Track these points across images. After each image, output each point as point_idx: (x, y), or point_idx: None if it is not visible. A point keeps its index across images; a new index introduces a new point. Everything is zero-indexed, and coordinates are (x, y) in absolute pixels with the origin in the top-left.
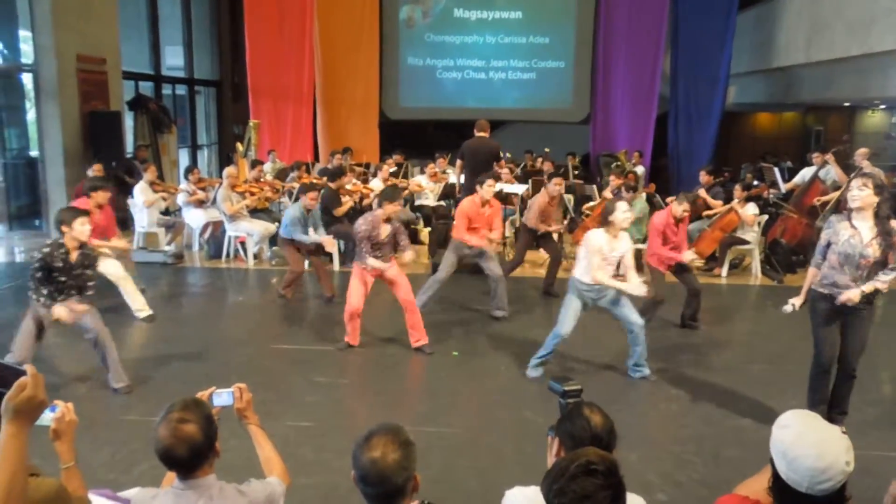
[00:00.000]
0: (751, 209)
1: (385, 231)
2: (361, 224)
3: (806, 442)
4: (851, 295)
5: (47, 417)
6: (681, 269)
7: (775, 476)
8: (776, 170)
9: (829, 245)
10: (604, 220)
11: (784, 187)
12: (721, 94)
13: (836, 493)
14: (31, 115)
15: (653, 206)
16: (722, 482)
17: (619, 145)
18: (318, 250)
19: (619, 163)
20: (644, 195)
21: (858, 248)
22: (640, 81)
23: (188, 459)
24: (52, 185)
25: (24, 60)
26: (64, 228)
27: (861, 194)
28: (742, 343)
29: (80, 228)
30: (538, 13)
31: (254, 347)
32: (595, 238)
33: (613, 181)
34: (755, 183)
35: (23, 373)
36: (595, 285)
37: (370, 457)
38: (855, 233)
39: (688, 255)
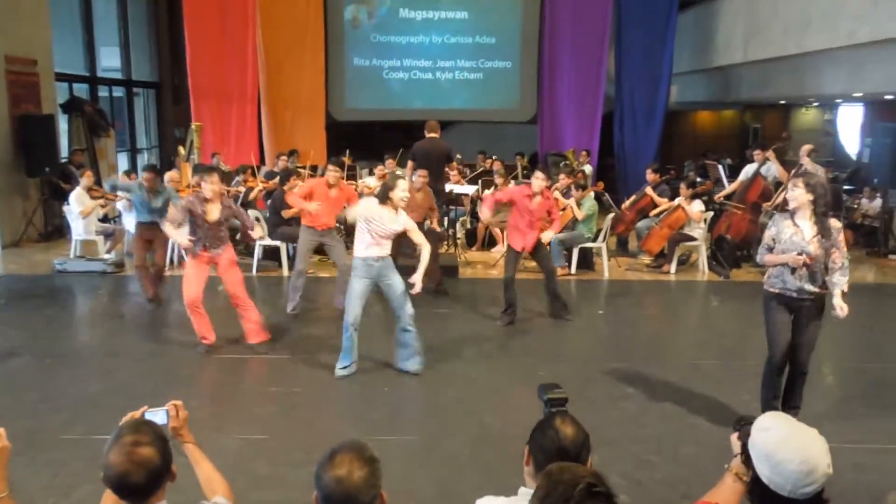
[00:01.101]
0: (697, 206)
1: (213, 211)
2: (184, 199)
3: (790, 445)
4: (844, 307)
5: None
6: (536, 251)
7: (755, 480)
8: (720, 167)
9: (773, 243)
10: (382, 197)
11: (728, 185)
12: (664, 94)
13: (817, 496)
14: None
15: (601, 205)
16: (681, 481)
17: (566, 145)
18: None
19: (567, 161)
20: (592, 193)
21: (801, 245)
22: (585, 81)
23: (145, 485)
24: None
25: None
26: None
27: (794, 194)
28: (692, 339)
29: None
30: (484, 13)
31: (200, 357)
32: (368, 208)
33: (563, 180)
34: (699, 180)
35: None
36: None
37: (335, 475)
38: (797, 230)
39: (547, 235)
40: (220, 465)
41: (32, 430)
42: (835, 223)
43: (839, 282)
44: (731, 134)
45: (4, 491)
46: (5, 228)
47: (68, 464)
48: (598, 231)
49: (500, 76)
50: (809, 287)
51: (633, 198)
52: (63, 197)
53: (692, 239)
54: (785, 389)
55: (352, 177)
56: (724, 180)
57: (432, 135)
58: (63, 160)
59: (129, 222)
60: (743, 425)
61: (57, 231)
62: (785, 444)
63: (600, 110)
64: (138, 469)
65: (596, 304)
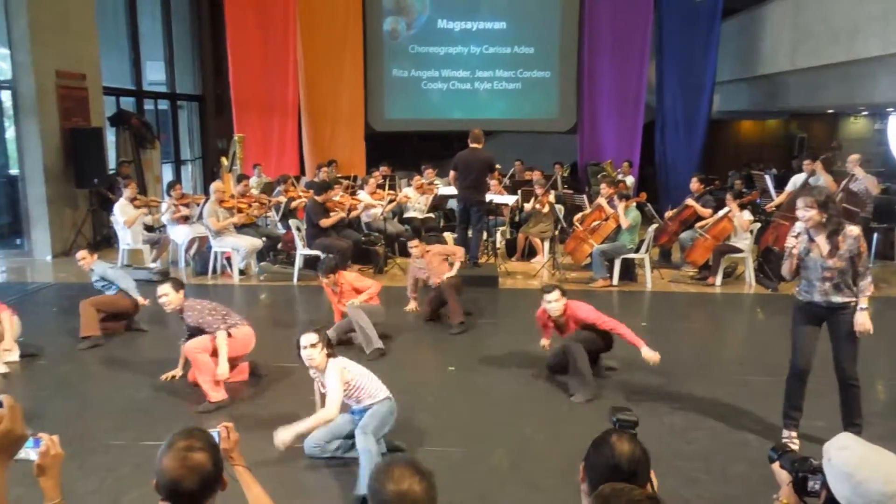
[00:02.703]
0: (746, 215)
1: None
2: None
3: (870, 465)
4: (866, 323)
5: (31, 452)
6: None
7: (829, 500)
8: (767, 177)
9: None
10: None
11: (775, 195)
12: (707, 102)
13: None
14: (10, 133)
15: (644, 215)
16: (731, 500)
17: (606, 155)
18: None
19: (605, 173)
20: (635, 203)
21: (819, 262)
22: (625, 90)
23: (197, 491)
24: (33, 202)
25: (2, 77)
26: None
27: (807, 215)
28: (740, 353)
29: None
30: (522, 23)
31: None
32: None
33: (605, 190)
34: (744, 190)
35: None
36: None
37: (397, 490)
38: (814, 245)
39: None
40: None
41: (81, 435)
42: (852, 231)
43: (862, 288)
44: (776, 143)
45: (58, 497)
46: (55, 238)
47: (116, 469)
48: (641, 242)
49: (539, 86)
50: (836, 298)
51: (677, 209)
52: (110, 207)
53: (738, 251)
54: (841, 406)
55: (391, 187)
56: (772, 191)
57: (475, 145)
58: (111, 172)
59: (174, 232)
60: (783, 453)
61: (105, 240)
62: (865, 463)
63: (641, 120)
64: (191, 474)
65: (638, 316)
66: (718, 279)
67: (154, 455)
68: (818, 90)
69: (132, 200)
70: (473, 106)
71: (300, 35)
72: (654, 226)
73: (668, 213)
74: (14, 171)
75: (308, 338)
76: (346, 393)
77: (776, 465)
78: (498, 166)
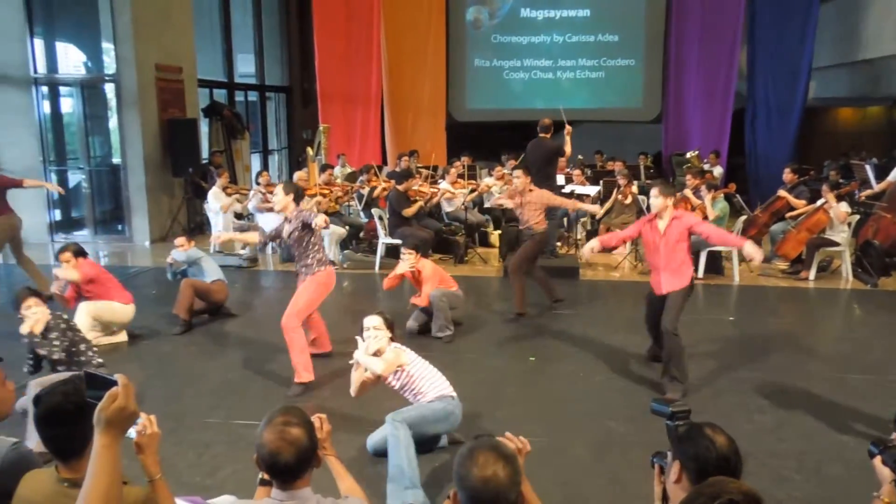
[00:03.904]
0: (844, 207)
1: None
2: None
3: None
4: None
5: (130, 430)
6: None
7: None
8: (868, 167)
9: None
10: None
11: (876, 185)
12: (802, 90)
13: None
14: (112, 124)
15: (733, 207)
16: (825, 501)
17: (692, 144)
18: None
19: (690, 165)
20: (723, 195)
21: None
22: (714, 78)
23: (294, 465)
24: (133, 190)
25: (106, 71)
26: None
27: None
28: (835, 351)
29: None
30: (607, 11)
31: (333, 353)
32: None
33: (690, 181)
34: (841, 181)
35: (114, 383)
36: None
37: (482, 476)
38: None
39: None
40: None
41: (180, 412)
42: None
43: None
44: (877, 131)
45: (158, 473)
46: (154, 224)
47: (212, 445)
48: None
49: (623, 74)
50: None
51: (769, 200)
52: (204, 195)
53: (834, 244)
54: None
55: (472, 177)
56: (872, 181)
57: (543, 134)
58: (204, 161)
59: (262, 220)
60: (885, 448)
61: (198, 227)
62: None
63: (731, 108)
64: (289, 448)
65: (725, 311)
66: (812, 273)
67: (246, 434)
68: None
69: (224, 189)
70: (555, 95)
71: (384, 27)
72: (743, 217)
73: (759, 206)
74: (116, 160)
75: (371, 320)
76: (402, 382)
77: (877, 461)
78: (580, 157)
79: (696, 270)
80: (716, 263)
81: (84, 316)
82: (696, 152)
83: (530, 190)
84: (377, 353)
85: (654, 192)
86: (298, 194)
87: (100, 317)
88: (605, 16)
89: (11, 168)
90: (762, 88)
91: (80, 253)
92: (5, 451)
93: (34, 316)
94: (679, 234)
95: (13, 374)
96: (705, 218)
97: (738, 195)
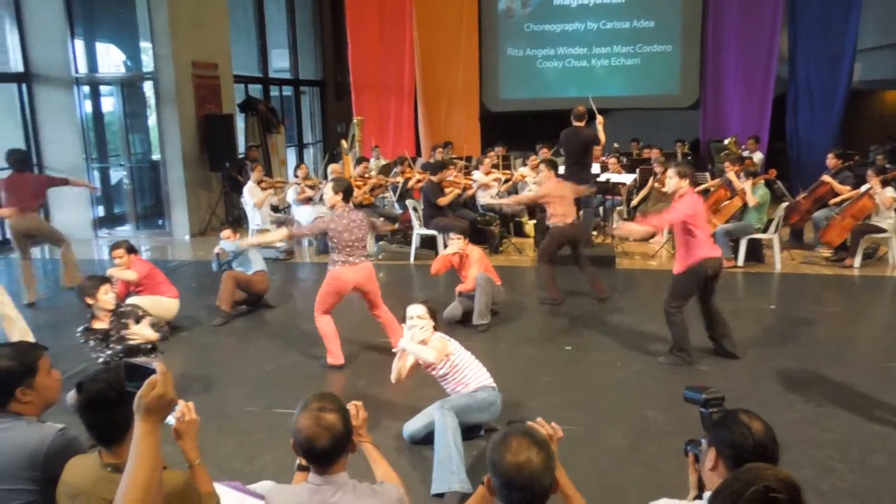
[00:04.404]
0: (890, 192)
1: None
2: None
3: None
4: None
5: (169, 416)
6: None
7: None
8: None
9: None
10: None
11: None
12: (846, 73)
13: None
14: (151, 121)
15: (773, 193)
16: (871, 493)
17: (731, 130)
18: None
19: (728, 151)
20: (763, 181)
21: None
22: (754, 62)
23: (329, 450)
24: (173, 185)
25: (144, 70)
26: None
27: None
28: (881, 340)
29: None
30: None
31: (365, 342)
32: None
33: (729, 168)
34: (888, 166)
35: (152, 371)
36: None
37: (515, 462)
38: None
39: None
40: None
41: (220, 402)
42: None
43: None
44: None
45: (198, 458)
46: (193, 219)
47: (252, 433)
48: (769, 221)
49: (659, 61)
50: None
51: (812, 186)
52: (240, 189)
53: (881, 230)
54: None
55: (506, 167)
56: None
57: (578, 123)
58: (240, 156)
59: (299, 212)
60: None
61: (236, 221)
62: None
63: (771, 93)
64: (324, 433)
65: (766, 299)
66: (857, 261)
67: (285, 422)
68: None
69: (259, 183)
70: (590, 83)
71: (416, 18)
72: (784, 204)
73: (802, 192)
74: (156, 156)
75: (415, 309)
76: (445, 371)
77: None
78: (616, 145)
79: (735, 258)
80: (756, 251)
81: None
82: (734, 138)
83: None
84: (422, 343)
85: (669, 171)
86: (348, 192)
87: (151, 311)
88: (640, 1)
89: (56, 166)
90: (804, 72)
91: (132, 250)
92: (52, 437)
93: (110, 300)
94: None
95: (59, 364)
96: (745, 205)
97: (778, 181)
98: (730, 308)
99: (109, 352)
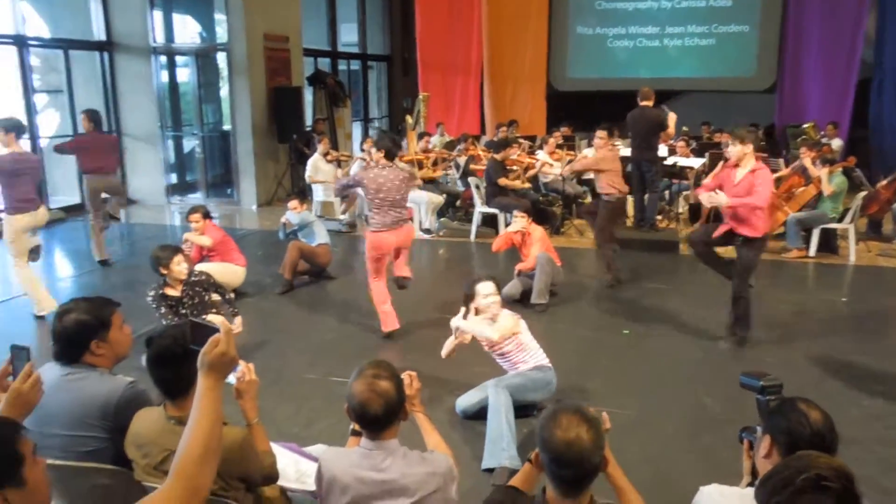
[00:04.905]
0: None
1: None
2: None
3: None
4: None
5: (231, 376)
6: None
7: None
8: None
9: None
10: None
11: None
12: None
13: None
14: (224, 92)
15: (852, 182)
16: None
17: (809, 115)
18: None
19: (805, 137)
20: (841, 169)
21: None
22: (837, 45)
23: (382, 415)
24: (242, 156)
25: (219, 41)
26: None
27: None
28: None
29: None
30: None
31: (423, 317)
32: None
33: (805, 153)
34: None
35: (216, 330)
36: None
37: (565, 438)
38: None
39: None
40: (442, 420)
41: (280, 367)
42: None
43: None
44: None
45: (256, 418)
46: (260, 189)
47: (310, 399)
48: (846, 211)
49: (735, 41)
50: None
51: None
52: (306, 161)
53: None
54: None
55: (570, 147)
56: None
57: (645, 103)
58: (307, 128)
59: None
60: None
61: (301, 192)
62: None
63: (855, 77)
64: (377, 399)
65: (838, 291)
66: None
67: (341, 390)
68: None
69: (325, 155)
70: (661, 64)
71: None
72: (863, 193)
73: (882, 181)
74: (227, 126)
75: (486, 286)
76: (508, 350)
77: None
78: (685, 128)
79: (807, 248)
80: (830, 242)
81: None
82: (813, 123)
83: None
84: (491, 320)
85: (730, 139)
86: (390, 151)
87: (220, 277)
88: None
89: (133, 133)
90: (892, 56)
91: (207, 215)
92: (123, 389)
93: (183, 270)
94: (746, 189)
95: (131, 322)
96: (820, 193)
97: (857, 169)
98: (798, 298)
99: (178, 320)
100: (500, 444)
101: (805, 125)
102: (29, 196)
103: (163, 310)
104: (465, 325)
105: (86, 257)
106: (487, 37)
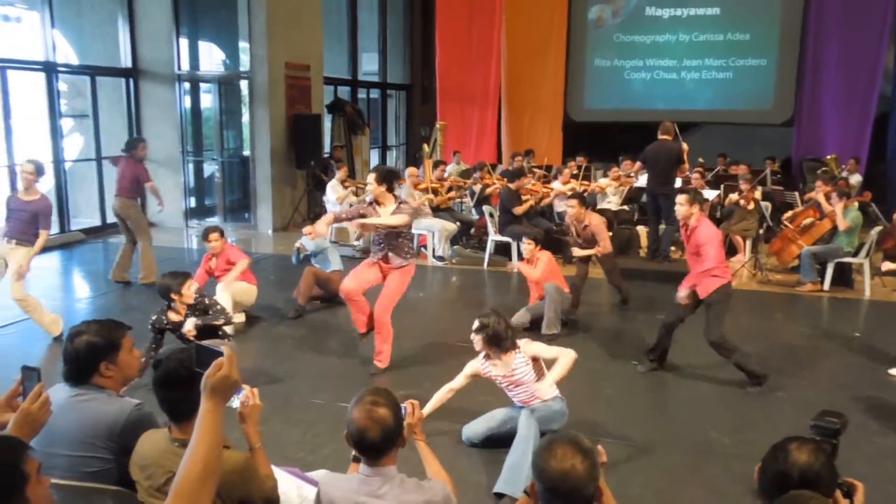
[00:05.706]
0: None
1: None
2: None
3: None
4: None
5: (234, 400)
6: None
7: None
8: None
9: None
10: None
11: None
12: None
13: None
14: (245, 118)
15: (867, 217)
16: None
17: (827, 149)
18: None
19: (826, 168)
20: (857, 203)
21: None
22: (856, 79)
23: (379, 443)
24: (260, 181)
25: (241, 69)
26: None
27: None
28: None
29: None
30: (738, 7)
31: (433, 344)
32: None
33: (821, 187)
34: None
35: (220, 354)
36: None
37: (559, 469)
38: None
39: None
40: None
41: (288, 392)
42: None
43: None
44: None
45: (258, 442)
46: (276, 214)
47: (316, 424)
48: (860, 245)
49: (752, 75)
50: None
51: None
52: (323, 188)
53: None
54: None
55: (585, 178)
56: None
57: (664, 136)
58: (325, 155)
59: None
60: None
61: (317, 218)
62: None
63: (873, 112)
64: (375, 426)
65: (852, 326)
66: None
67: None
68: None
69: (342, 182)
70: (679, 96)
71: (505, 25)
72: (878, 228)
73: None
74: (246, 152)
75: (473, 336)
76: (526, 378)
77: None
78: (701, 160)
79: (822, 282)
80: (845, 276)
81: (225, 295)
82: (835, 156)
83: (586, 225)
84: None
85: (679, 199)
86: (390, 183)
87: (235, 296)
88: (736, 13)
89: (155, 158)
90: None
91: (223, 236)
92: (129, 410)
93: (192, 293)
94: (694, 246)
95: (141, 345)
96: (835, 227)
97: (873, 204)
98: (810, 332)
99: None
100: (519, 474)
101: (828, 157)
102: None
103: (158, 337)
104: (552, 376)
105: (102, 278)
106: (506, 67)
